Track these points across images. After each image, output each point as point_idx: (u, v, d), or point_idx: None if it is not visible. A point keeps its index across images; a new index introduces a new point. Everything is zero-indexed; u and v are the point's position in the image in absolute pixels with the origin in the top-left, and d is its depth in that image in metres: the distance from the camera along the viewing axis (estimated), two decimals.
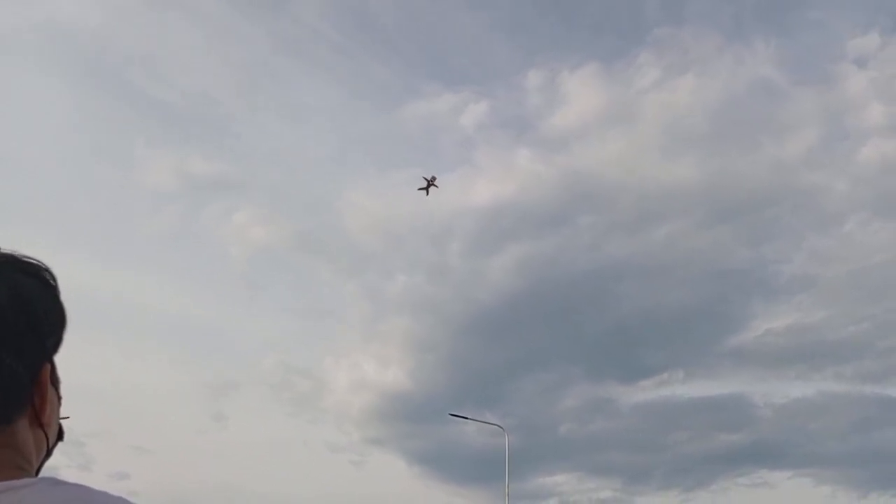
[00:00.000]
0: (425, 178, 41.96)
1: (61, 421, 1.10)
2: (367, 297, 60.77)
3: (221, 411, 56.82)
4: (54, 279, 1.06)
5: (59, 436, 1.09)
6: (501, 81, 70.36)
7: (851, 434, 51.37)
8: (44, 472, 1.04)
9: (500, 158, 61.85)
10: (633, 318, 53.74)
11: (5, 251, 1.04)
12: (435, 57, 70.01)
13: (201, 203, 67.44)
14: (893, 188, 55.79)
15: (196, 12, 65.82)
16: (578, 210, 58.54)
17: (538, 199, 55.45)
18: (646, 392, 60.47)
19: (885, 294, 55.74)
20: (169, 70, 66.72)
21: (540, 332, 55.04)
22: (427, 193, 42.13)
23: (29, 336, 0.99)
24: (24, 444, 1.00)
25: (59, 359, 1.07)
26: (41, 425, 1.02)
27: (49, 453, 1.07)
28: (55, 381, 1.07)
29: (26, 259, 1.04)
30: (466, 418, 28.88)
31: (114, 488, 0.95)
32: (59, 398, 1.08)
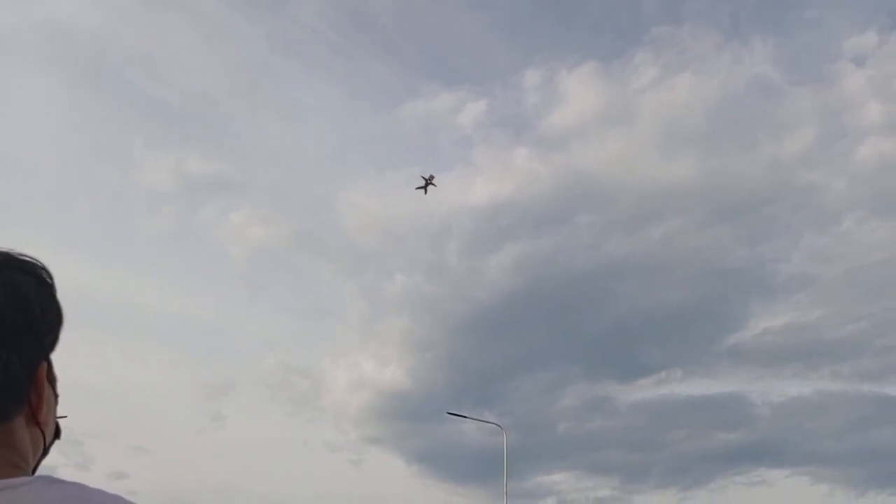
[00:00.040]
0: (423, 178, 42.00)
1: (58, 419, 1.10)
2: (366, 297, 60.87)
3: (220, 411, 56.86)
4: (51, 277, 1.06)
5: (56, 434, 1.09)
6: (499, 81, 70.27)
7: (849, 433, 51.55)
8: (41, 471, 1.04)
9: (498, 157, 61.94)
10: (631, 317, 53.87)
11: (2, 250, 1.04)
12: (433, 56, 70.06)
13: (200, 203, 67.47)
14: (891, 187, 55.86)
15: (195, 12, 65.79)
16: (577, 209, 58.62)
17: (536, 198, 55.56)
18: (644, 391, 60.56)
19: (883, 293, 55.91)
20: (168, 70, 66.70)
21: (538, 331, 55.14)
22: (426, 192, 42.17)
23: (26, 334, 0.99)
24: (21, 443, 1.00)
25: (57, 358, 1.07)
26: (38, 423, 1.02)
27: (46, 451, 1.07)
28: (52, 379, 1.07)
29: (23, 257, 1.04)
30: (465, 417, 28.93)
31: (112, 488, 0.95)
32: (56, 396, 1.08)
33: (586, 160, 57.19)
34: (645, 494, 48.86)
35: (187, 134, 68.69)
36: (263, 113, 68.06)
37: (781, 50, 60.36)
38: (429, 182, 41.80)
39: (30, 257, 1.05)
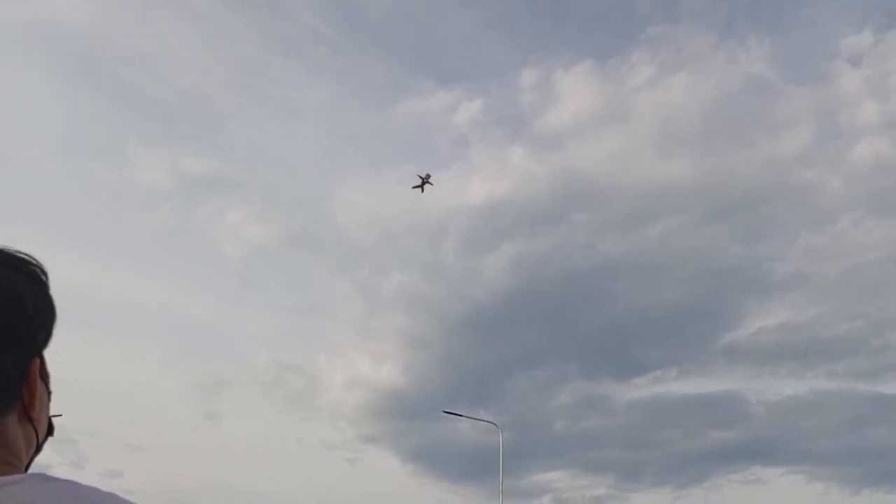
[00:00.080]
0: (420, 177, 42.00)
1: (53, 418, 1.09)
2: (362, 295, 60.84)
3: (215, 409, 56.85)
4: (44, 273, 1.05)
5: (49, 431, 1.08)
6: (496, 79, 70.43)
7: (844, 431, 51.74)
8: (34, 468, 1.04)
9: (494, 156, 62.01)
10: (627, 315, 53.93)
11: None
12: (429, 55, 70.03)
13: (195, 201, 67.38)
14: (887, 186, 55.94)
15: (190, 11, 65.65)
16: (573, 208, 58.77)
17: (533, 197, 55.63)
18: (640, 389, 60.81)
19: (878, 292, 56.06)
20: (163, 68, 66.58)
21: (534, 330, 55.17)
22: (422, 191, 42.16)
23: (18, 330, 0.99)
24: (14, 440, 0.99)
25: (51, 356, 1.07)
26: (31, 420, 1.02)
27: (39, 448, 1.06)
28: (45, 376, 1.06)
29: (15, 253, 1.04)
30: (460, 415, 28.92)
31: (107, 486, 0.95)
32: (49, 393, 1.08)
33: (582, 159, 57.32)
34: (640, 493, 49.02)
35: (182, 132, 68.70)
36: (258, 111, 68.07)
37: (777, 49, 60.68)
38: (425, 181, 41.80)
39: (23, 254, 1.05)
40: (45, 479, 0.92)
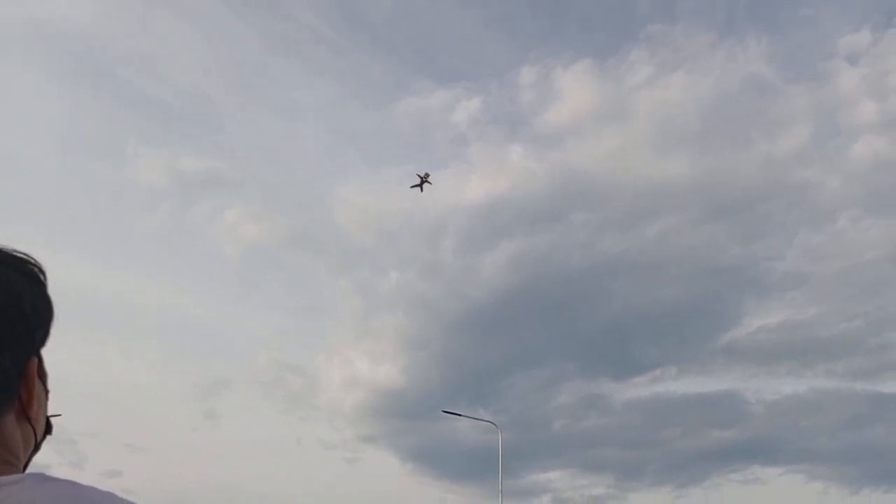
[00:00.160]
0: (419, 176, 41.99)
1: (52, 418, 1.09)
2: (360, 294, 60.87)
3: (214, 409, 56.79)
4: (43, 273, 1.05)
5: (48, 430, 1.08)
6: (495, 78, 70.41)
7: (843, 430, 51.76)
8: (33, 468, 1.04)
9: (493, 155, 61.95)
10: (626, 314, 53.95)
11: None
12: (428, 54, 70.05)
13: (195, 201, 67.34)
14: (885, 185, 55.98)
15: (189, 11, 65.61)
16: (572, 207, 58.72)
17: (532, 195, 55.63)
18: (639, 388, 60.90)
19: (877, 291, 56.10)
20: (163, 68, 66.52)
21: (533, 329, 55.19)
22: (421, 191, 42.15)
23: (16, 330, 0.98)
24: (12, 439, 0.99)
25: (49, 357, 1.07)
26: (28, 419, 1.01)
27: (37, 448, 1.06)
28: (42, 375, 1.06)
29: (13, 253, 1.04)
30: (459, 415, 28.91)
31: (106, 486, 0.95)
32: (47, 392, 1.08)
33: (581, 158, 57.32)
34: (640, 492, 49.06)
35: (182, 132, 68.67)
36: (257, 110, 68.05)
37: (776, 48, 60.70)
38: (424, 180, 41.79)
39: (21, 253, 1.04)
40: (43, 478, 0.92)
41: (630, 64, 58.00)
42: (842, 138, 58.46)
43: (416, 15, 67.32)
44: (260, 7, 68.77)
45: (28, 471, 1.01)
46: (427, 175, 41.88)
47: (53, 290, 1.06)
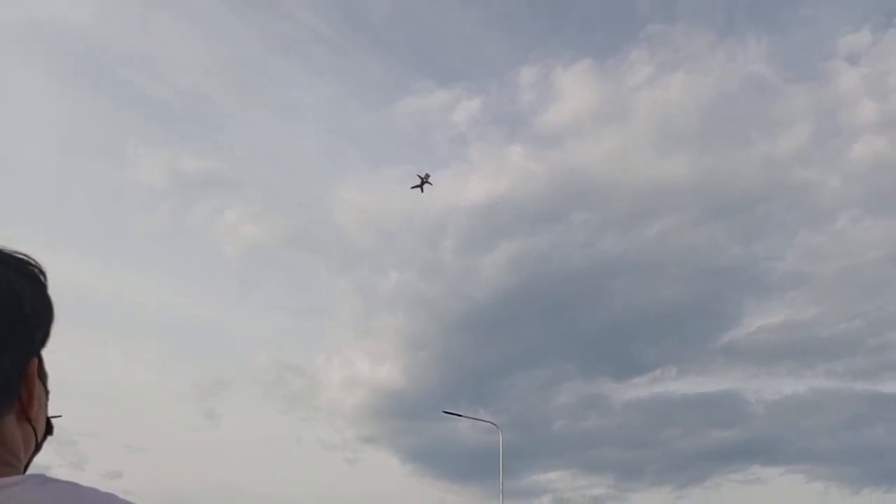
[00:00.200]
0: (419, 176, 41.99)
1: (52, 419, 1.09)
2: (361, 294, 60.89)
3: (214, 409, 56.79)
4: (43, 274, 1.05)
5: (48, 430, 1.08)
6: (495, 78, 70.45)
7: (843, 430, 51.75)
8: (33, 469, 1.03)
9: (493, 155, 61.96)
10: (626, 314, 53.96)
11: None
12: (428, 54, 70.09)
13: (195, 201, 67.36)
14: (885, 185, 55.96)
15: (189, 11, 65.65)
16: (572, 207, 58.73)
17: (532, 195, 55.64)
18: (639, 389, 60.90)
19: (877, 291, 56.08)
20: (163, 68, 66.55)
21: (533, 329, 55.21)
22: (422, 191, 42.15)
23: (16, 330, 0.98)
24: (12, 440, 0.99)
25: (50, 358, 1.06)
26: (29, 420, 1.01)
27: (38, 448, 1.06)
28: (43, 376, 1.06)
29: (13, 254, 1.03)
30: (460, 415, 28.92)
31: (106, 487, 0.94)
32: (47, 392, 1.07)
33: (581, 158, 57.34)
34: (640, 492, 49.05)
35: (182, 132, 68.71)
36: (257, 110, 68.09)
37: (776, 48, 60.72)
38: (424, 181, 41.79)
39: (21, 254, 1.04)
40: (44, 480, 0.92)
41: (630, 64, 58.08)
42: (842, 138, 58.53)
43: (416, 15, 67.42)
44: (260, 7, 68.86)
45: (28, 472, 1.00)
46: (427, 176, 41.90)
47: (53, 290, 1.06)
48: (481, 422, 29.32)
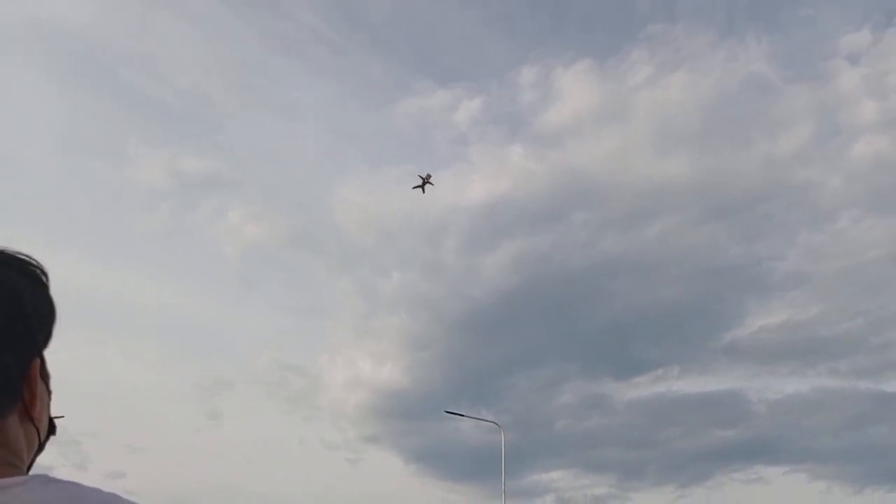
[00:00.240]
0: (421, 176, 42.00)
1: (55, 419, 1.09)
2: (362, 294, 60.91)
3: (216, 409, 56.83)
4: (45, 274, 1.05)
5: (51, 430, 1.08)
6: (495, 78, 70.39)
7: (846, 430, 51.71)
8: (36, 469, 1.03)
9: (494, 155, 61.96)
10: (627, 314, 53.96)
11: None
12: (428, 54, 70.10)
13: (195, 201, 67.36)
14: (886, 184, 55.93)
15: (189, 11, 65.67)
16: (572, 207, 58.74)
17: (532, 195, 55.66)
18: (641, 388, 60.88)
19: (879, 290, 55.99)
20: (163, 68, 66.58)
21: (535, 329, 55.22)
22: (423, 192, 42.15)
23: (18, 330, 0.98)
24: (16, 441, 0.99)
25: (52, 357, 1.06)
26: (31, 420, 1.01)
27: (41, 448, 1.06)
28: (45, 376, 1.05)
29: (15, 254, 1.04)
30: (462, 415, 28.92)
31: (109, 487, 0.94)
32: (49, 392, 1.07)
33: (582, 158, 57.34)
34: (642, 492, 49.00)
35: (182, 132, 68.75)
36: (258, 110, 68.12)
37: (776, 48, 60.65)
38: (426, 181, 41.80)
39: (23, 254, 1.04)
40: (47, 480, 0.92)
41: (630, 64, 58.06)
42: (842, 138, 58.45)
43: (416, 15, 67.40)
44: (260, 7, 68.90)
45: (31, 472, 1.00)
46: (429, 176, 41.91)
47: (53, 290, 1.06)
48: (483, 422, 29.35)
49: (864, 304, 59.84)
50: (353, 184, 62.46)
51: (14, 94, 61.10)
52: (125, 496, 0.93)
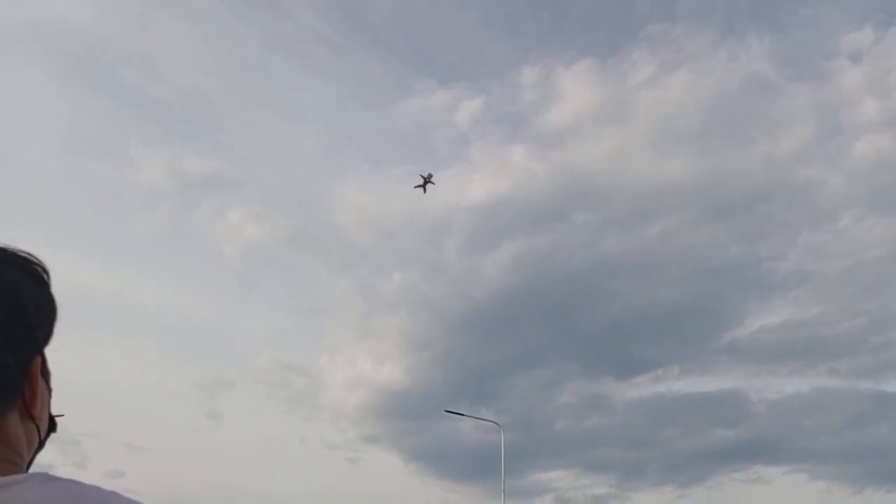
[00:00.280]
0: (422, 176, 41.96)
1: (55, 417, 1.09)
2: (362, 294, 60.88)
3: (216, 409, 56.82)
4: (46, 271, 1.06)
5: (52, 428, 1.09)
6: (496, 78, 70.40)
7: (846, 429, 51.66)
8: (36, 466, 1.04)
9: (494, 155, 61.90)
10: (627, 314, 53.94)
11: None
12: (429, 54, 70.10)
13: (195, 201, 67.34)
14: (888, 183, 55.81)
15: (189, 11, 65.69)
16: (573, 206, 58.70)
17: (533, 195, 55.62)
18: (641, 388, 60.88)
19: (880, 290, 55.91)
20: (163, 68, 66.58)
21: (535, 329, 55.20)
22: (424, 191, 42.12)
23: (19, 328, 0.99)
24: (16, 438, 0.99)
25: (52, 357, 1.07)
26: (32, 418, 1.02)
27: (41, 445, 1.06)
28: (45, 374, 1.06)
29: (17, 252, 1.04)
30: (462, 415, 28.92)
31: (109, 486, 0.95)
32: (50, 390, 1.08)
33: (583, 158, 57.30)
34: (642, 492, 49.00)
35: (182, 132, 68.76)
36: (258, 111, 68.12)
37: (777, 47, 60.57)
38: (427, 180, 41.78)
39: (24, 252, 1.05)
40: (47, 478, 0.92)
41: (631, 63, 58.04)
42: (844, 137, 58.44)
43: (416, 15, 67.39)
44: (260, 7, 68.90)
45: (31, 470, 1.01)
46: (430, 175, 41.88)
47: (53, 290, 1.06)
48: (483, 421, 29.36)
49: (865, 303, 59.82)
50: (353, 184, 62.47)
51: (14, 94, 61.13)
52: (125, 494, 0.94)
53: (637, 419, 53.97)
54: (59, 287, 1.07)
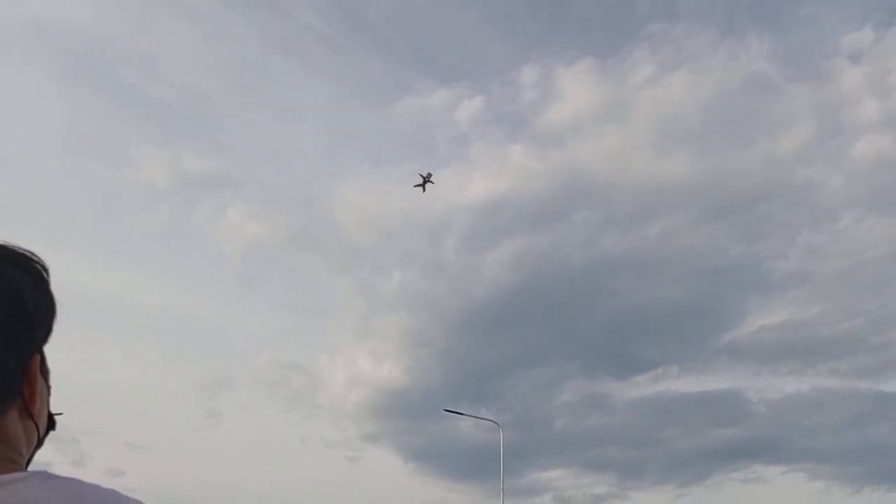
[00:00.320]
0: (421, 175, 41.95)
1: (54, 415, 1.10)
2: (362, 294, 60.86)
3: (216, 408, 56.83)
4: (45, 269, 1.06)
5: (51, 425, 1.09)
6: (496, 77, 70.34)
7: (846, 429, 51.61)
8: (35, 465, 1.04)
9: (494, 154, 61.82)
10: (627, 313, 53.90)
11: None
12: (429, 53, 70.07)
13: (195, 201, 67.19)
14: (888, 183, 55.72)
15: (189, 11, 65.66)
16: (573, 206, 58.69)
17: (533, 194, 55.55)
18: (640, 387, 60.77)
19: (880, 290, 55.82)
20: (163, 68, 66.54)
21: (535, 328, 55.20)
22: (424, 190, 42.12)
23: (18, 326, 0.99)
24: (15, 436, 1.00)
25: (52, 356, 1.07)
26: (31, 416, 1.02)
27: (40, 443, 1.07)
28: (45, 372, 1.06)
29: (17, 250, 1.04)
30: (461, 414, 28.91)
31: (109, 485, 0.95)
32: (49, 388, 1.08)
33: (582, 157, 57.27)
34: (642, 491, 48.97)
35: (183, 132, 68.67)
36: (258, 110, 68.05)
37: (777, 47, 60.46)
38: (427, 180, 41.78)
39: (24, 250, 1.05)
40: (47, 476, 0.93)
41: (631, 63, 57.92)
42: (844, 137, 58.31)
43: (416, 15, 67.32)
44: (260, 7, 68.86)
45: (30, 468, 1.01)
46: (430, 175, 41.86)
47: (53, 289, 1.07)
48: (483, 420, 29.38)
49: (865, 303, 59.73)
50: (353, 183, 62.39)
51: (14, 94, 61.03)
52: (125, 492, 0.95)
53: (637, 418, 53.97)
54: (59, 287, 1.07)
